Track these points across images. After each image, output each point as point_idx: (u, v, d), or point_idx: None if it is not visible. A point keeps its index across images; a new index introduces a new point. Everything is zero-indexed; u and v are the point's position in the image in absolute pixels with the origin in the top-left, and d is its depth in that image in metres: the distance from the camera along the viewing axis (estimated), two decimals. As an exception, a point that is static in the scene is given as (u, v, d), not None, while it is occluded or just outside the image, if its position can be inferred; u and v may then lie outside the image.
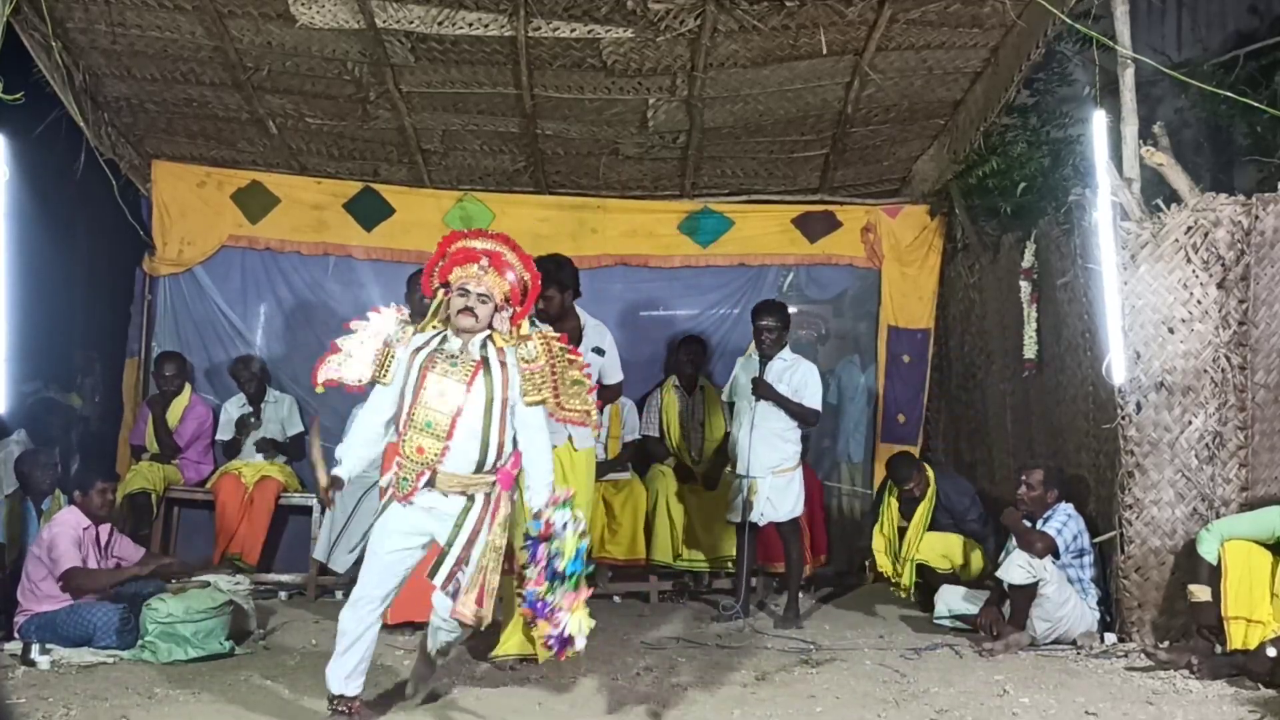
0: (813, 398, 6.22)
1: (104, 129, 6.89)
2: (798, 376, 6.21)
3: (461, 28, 5.96)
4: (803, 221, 7.85)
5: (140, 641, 5.19)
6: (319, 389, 4.39)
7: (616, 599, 6.86)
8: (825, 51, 6.13)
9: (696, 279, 7.85)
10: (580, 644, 3.92)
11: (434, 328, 4.26)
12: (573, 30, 5.98)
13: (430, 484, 4.09)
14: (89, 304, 7.52)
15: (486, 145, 7.31)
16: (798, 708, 4.47)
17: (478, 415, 4.07)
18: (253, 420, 7.17)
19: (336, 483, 4.20)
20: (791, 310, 7.71)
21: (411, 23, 5.93)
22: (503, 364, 4.13)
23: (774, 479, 6.19)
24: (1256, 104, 5.93)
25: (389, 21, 5.93)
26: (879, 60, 6.32)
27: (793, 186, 7.83)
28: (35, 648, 5.07)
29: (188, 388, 7.19)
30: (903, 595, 6.46)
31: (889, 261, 7.84)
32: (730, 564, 6.85)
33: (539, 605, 3.91)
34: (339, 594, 6.81)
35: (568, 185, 7.73)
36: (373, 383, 4.26)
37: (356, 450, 4.28)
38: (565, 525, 3.95)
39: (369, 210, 7.58)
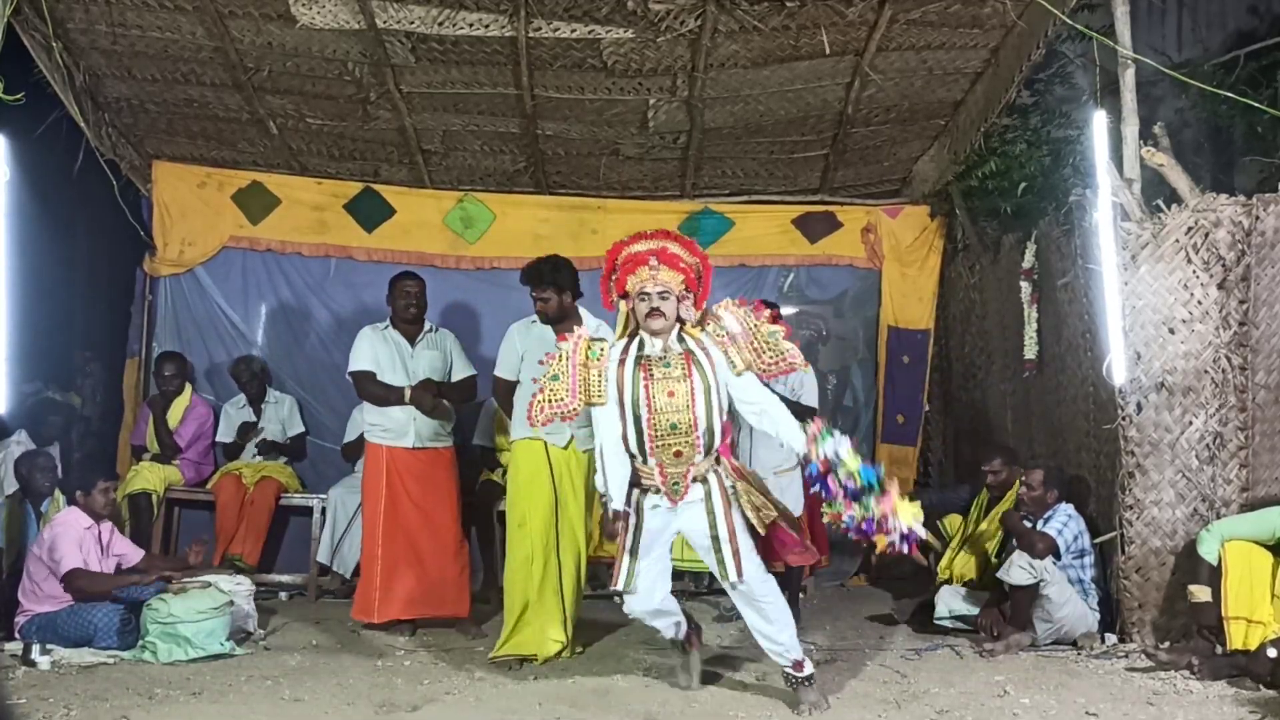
0: (809, 396, 6.23)
1: (104, 129, 6.90)
2: (794, 376, 6.21)
3: (462, 28, 5.97)
4: (803, 222, 7.85)
5: (141, 642, 5.20)
6: (536, 430, 4.65)
7: (617, 599, 6.84)
8: (826, 52, 6.13)
9: (697, 279, 7.85)
10: (920, 532, 4.12)
11: (625, 337, 4.40)
12: (573, 31, 5.98)
13: (696, 479, 4.30)
14: (89, 304, 7.53)
15: (487, 146, 7.31)
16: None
17: (704, 403, 4.24)
18: (255, 428, 7.17)
19: (622, 516, 4.39)
20: (791, 310, 7.73)
21: (412, 23, 5.94)
22: (704, 350, 4.29)
23: (775, 479, 6.18)
24: (1257, 104, 5.93)
25: (389, 22, 5.93)
26: (879, 61, 6.32)
27: (793, 187, 7.83)
28: (36, 648, 5.07)
29: (188, 388, 7.19)
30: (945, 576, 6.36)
31: (889, 262, 7.84)
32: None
33: (867, 525, 4.10)
34: (339, 595, 6.83)
35: (568, 186, 7.74)
36: (586, 408, 4.41)
37: (618, 475, 4.39)
38: (836, 451, 4.13)
39: (369, 211, 7.59)
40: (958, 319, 7.87)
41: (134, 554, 5.74)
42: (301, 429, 7.39)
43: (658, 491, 4.31)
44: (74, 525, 5.41)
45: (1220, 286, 5.34)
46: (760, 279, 7.85)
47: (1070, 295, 5.95)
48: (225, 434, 7.24)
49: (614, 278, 4.40)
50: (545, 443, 5.27)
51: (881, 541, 4.10)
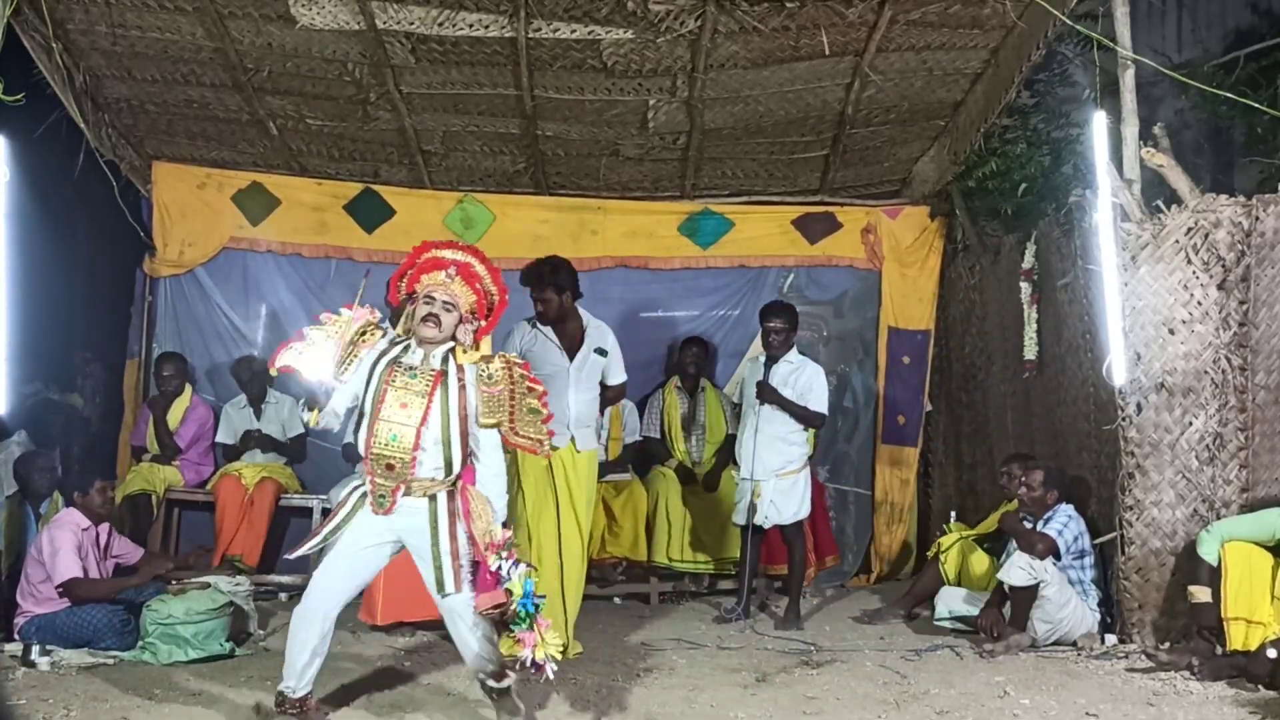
0: (818, 401, 6.22)
1: (104, 130, 6.89)
2: (803, 379, 6.21)
3: (462, 29, 5.97)
4: (803, 223, 7.85)
5: (140, 643, 5.19)
6: (273, 372, 4.30)
7: (617, 600, 6.87)
8: (826, 53, 6.13)
9: (697, 280, 7.85)
10: (550, 670, 3.96)
11: (400, 336, 4.24)
12: (573, 31, 5.98)
13: (407, 493, 4.08)
14: (89, 305, 7.51)
15: (487, 146, 7.31)
16: (798, 709, 4.47)
17: (438, 426, 4.06)
18: (256, 435, 7.16)
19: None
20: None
21: (412, 24, 5.94)
22: (461, 382, 4.09)
23: (778, 481, 6.18)
24: (1257, 105, 5.93)
25: (389, 23, 5.93)
26: (879, 61, 6.32)
27: (793, 188, 7.83)
28: (35, 649, 5.07)
29: (188, 389, 7.19)
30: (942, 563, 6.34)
31: (889, 263, 7.84)
32: (731, 565, 6.86)
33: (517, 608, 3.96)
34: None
35: (568, 186, 7.73)
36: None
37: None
38: (508, 572, 3.95)
39: (369, 211, 7.58)
40: (958, 320, 7.87)
41: (133, 553, 5.74)
42: (302, 430, 7.36)
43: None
44: (72, 527, 5.40)
45: (1220, 287, 5.34)
46: (760, 279, 7.85)
47: (1070, 296, 5.95)
48: (225, 435, 7.23)
49: (408, 272, 4.24)
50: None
51: (511, 645, 3.99)
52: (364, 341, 4.18)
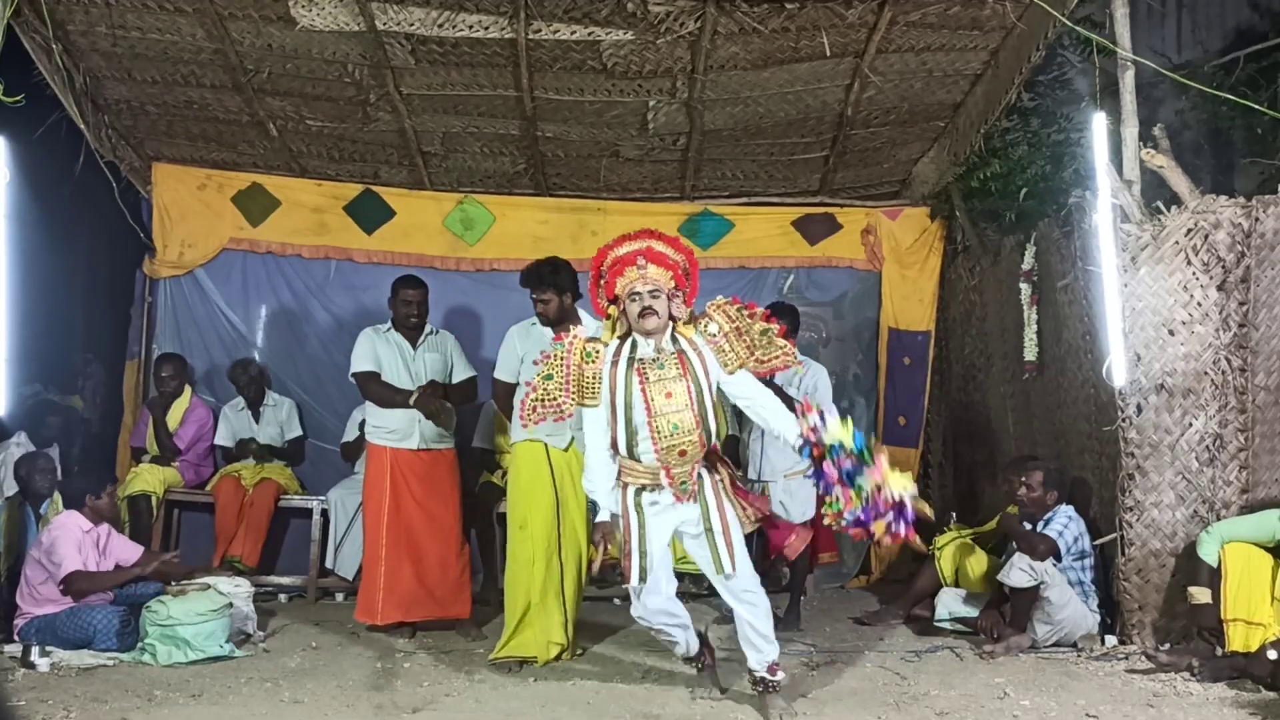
0: (824, 401, 6.21)
1: (104, 131, 6.90)
2: (808, 380, 6.20)
3: (462, 30, 5.97)
4: (803, 224, 7.85)
5: (140, 644, 5.20)
6: (528, 428, 4.56)
7: (617, 600, 6.85)
8: (827, 54, 6.13)
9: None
10: (912, 505, 4.06)
11: (617, 339, 4.37)
12: (573, 32, 5.98)
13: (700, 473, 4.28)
14: (89, 306, 7.52)
15: (487, 147, 7.31)
16: (798, 709, 4.46)
17: (699, 403, 4.23)
18: (254, 444, 7.16)
19: (605, 528, 4.41)
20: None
21: (412, 25, 5.94)
22: (697, 351, 4.28)
23: (785, 482, 6.18)
24: (1256, 106, 5.93)
25: (389, 24, 5.93)
26: (879, 62, 6.32)
27: (793, 189, 7.83)
28: (35, 650, 5.08)
29: (188, 390, 7.18)
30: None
31: (889, 264, 7.84)
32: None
33: (865, 513, 4.05)
34: (339, 596, 6.84)
35: (568, 187, 7.74)
36: (578, 409, 4.37)
37: (604, 482, 4.38)
38: (823, 423, 4.13)
39: (369, 213, 7.58)
40: (958, 321, 7.87)
41: (132, 554, 5.73)
42: (300, 432, 7.38)
43: (656, 489, 4.29)
44: (72, 528, 5.40)
45: (1220, 288, 5.34)
46: (760, 281, 7.84)
47: (1070, 297, 5.95)
48: (224, 438, 7.23)
49: (602, 282, 4.39)
50: (546, 445, 5.27)
51: (880, 528, 4.05)
52: (589, 362, 4.33)
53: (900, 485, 4.07)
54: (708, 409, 4.26)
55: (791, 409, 6.06)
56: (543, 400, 4.34)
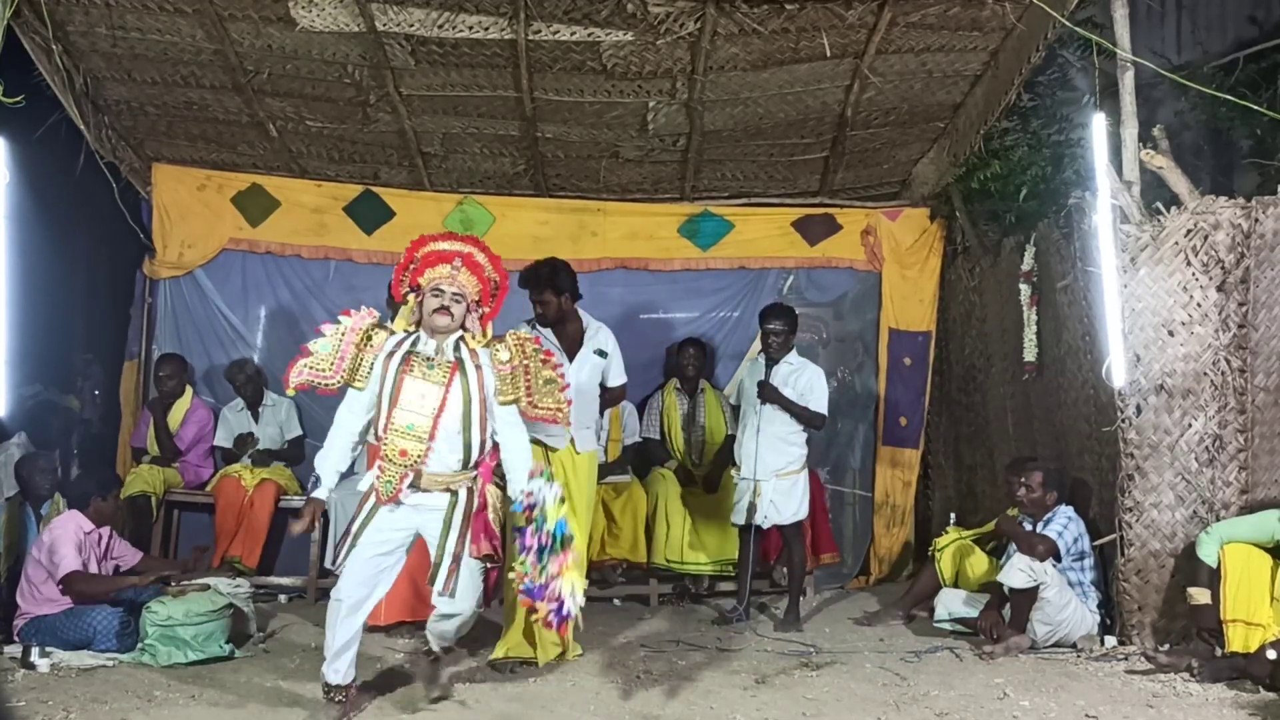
0: (819, 401, 6.22)
1: (104, 132, 6.90)
2: (804, 380, 6.20)
3: (461, 31, 5.97)
4: (803, 224, 7.85)
5: (140, 644, 5.20)
6: (290, 392, 4.46)
7: (616, 601, 6.87)
8: (826, 55, 6.13)
9: (696, 282, 7.85)
10: (574, 608, 4.06)
11: (405, 330, 4.35)
12: (573, 33, 5.98)
13: (414, 485, 4.23)
14: (89, 307, 7.53)
15: (487, 148, 7.31)
16: (798, 710, 4.47)
17: (456, 416, 4.21)
18: (251, 439, 7.16)
19: (316, 505, 4.33)
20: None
21: (412, 26, 5.94)
22: (477, 366, 4.27)
23: (777, 482, 6.18)
24: (1256, 107, 5.93)
25: (389, 24, 5.93)
26: (879, 63, 6.33)
27: (793, 189, 7.83)
28: (35, 651, 5.08)
29: (189, 390, 7.18)
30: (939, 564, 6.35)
31: (889, 264, 7.84)
32: (730, 567, 6.85)
33: (536, 590, 4.04)
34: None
35: (568, 188, 7.73)
36: (344, 386, 4.32)
37: (333, 463, 4.34)
38: (543, 492, 4.10)
39: (369, 213, 7.58)
40: (958, 321, 7.87)
41: (132, 556, 5.74)
42: (299, 432, 7.37)
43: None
44: (73, 528, 5.40)
45: (1219, 289, 5.34)
46: (760, 281, 7.84)
47: (1070, 298, 5.95)
48: (223, 439, 7.22)
49: (411, 268, 4.37)
50: (545, 445, 5.27)
51: (542, 609, 4.08)
52: (369, 346, 4.29)
53: (570, 585, 4.08)
54: (472, 424, 4.23)
55: (789, 409, 6.11)
56: (310, 367, 4.31)
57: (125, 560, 5.68)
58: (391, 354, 4.28)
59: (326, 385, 4.31)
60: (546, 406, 4.38)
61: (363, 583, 4.28)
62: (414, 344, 4.29)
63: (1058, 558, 5.48)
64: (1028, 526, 5.70)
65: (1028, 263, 6.48)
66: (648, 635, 5.93)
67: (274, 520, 6.96)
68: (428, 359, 4.24)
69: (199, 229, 7.44)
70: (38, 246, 6.03)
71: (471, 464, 4.28)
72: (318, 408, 7.48)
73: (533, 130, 7.02)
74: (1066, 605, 5.42)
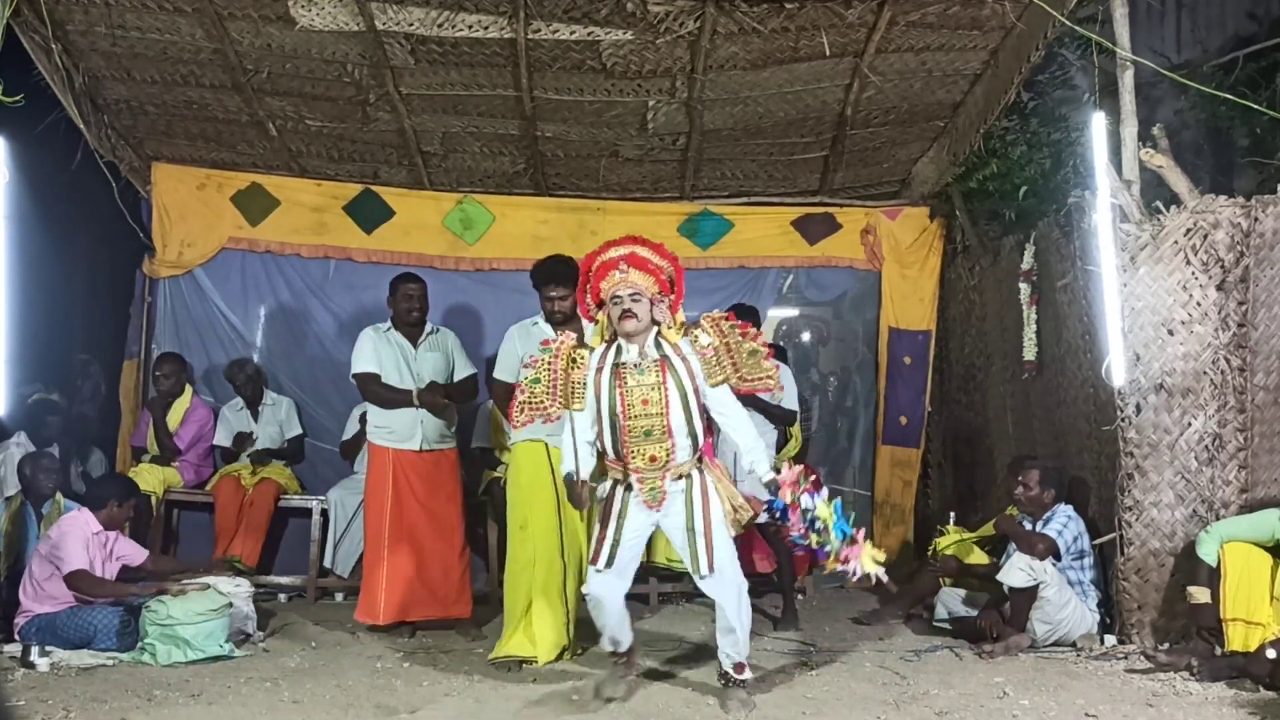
0: (789, 399, 6.26)
1: (104, 131, 6.90)
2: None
3: (461, 30, 5.97)
4: (802, 223, 7.85)
5: (140, 643, 5.20)
6: (517, 429, 4.77)
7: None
8: (826, 54, 6.13)
9: (696, 281, 7.80)
10: (879, 575, 4.26)
11: (604, 343, 4.49)
12: (572, 32, 5.98)
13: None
14: (89, 306, 7.52)
15: (486, 147, 7.31)
16: (798, 709, 4.47)
17: (679, 409, 4.31)
18: (250, 438, 7.16)
19: (585, 485, 4.47)
20: (792, 312, 7.71)
21: (411, 25, 5.94)
22: (682, 357, 4.36)
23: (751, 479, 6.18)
24: (1256, 106, 5.93)
25: (389, 24, 5.93)
26: (878, 62, 6.33)
27: (792, 188, 7.83)
28: (35, 650, 5.08)
29: (188, 390, 7.18)
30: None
31: (889, 263, 7.84)
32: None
33: (819, 551, 4.30)
34: (339, 596, 6.84)
35: (567, 187, 7.73)
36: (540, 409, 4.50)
37: (582, 463, 4.45)
38: (811, 502, 4.24)
39: (369, 212, 7.58)
40: (957, 320, 7.87)
41: (137, 554, 5.74)
42: (299, 431, 7.38)
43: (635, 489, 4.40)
44: (81, 527, 5.42)
45: (1219, 288, 5.34)
46: (760, 280, 7.84)
47: (1069, 297, 5.95)
48: (223, 438, 7.22)
49: (588, 287, 4.50)
50: (547, 444, 5.26)
51: (831, 564, 4.28)
52: (576, 367, 4.45)
53: (870, 564, 4.27)
54: (693, 414, 4.34)
55: (761, 410, 6.11)
56: (530, 403, 4.49)
57: (130, 559, 5.68)
58: (600, 369, 4.40)
59: (549, 417, 4.50)
60: (756, 377, 4.42)
61: (621, 576, 4.48)
62: (618, 355, 4.39)
63: (1057, 556, 5.48)
64: (1027, 525, 5.69)
65: (1027, 262, 6.48)
66: (648, 634, 5.92)
67: (274, 519, 6.97)
68: (635, 365, 4.35)
69: (198, 228, 7.44)
70: (37, 246, 6.04)
71: (697, 450, 4.40)
72: (318, 408, 7.50)
73: (532, 129, 7.02)
74: (1066, 604, 5.42)
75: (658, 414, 4.30)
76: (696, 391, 4.36)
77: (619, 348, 4.42)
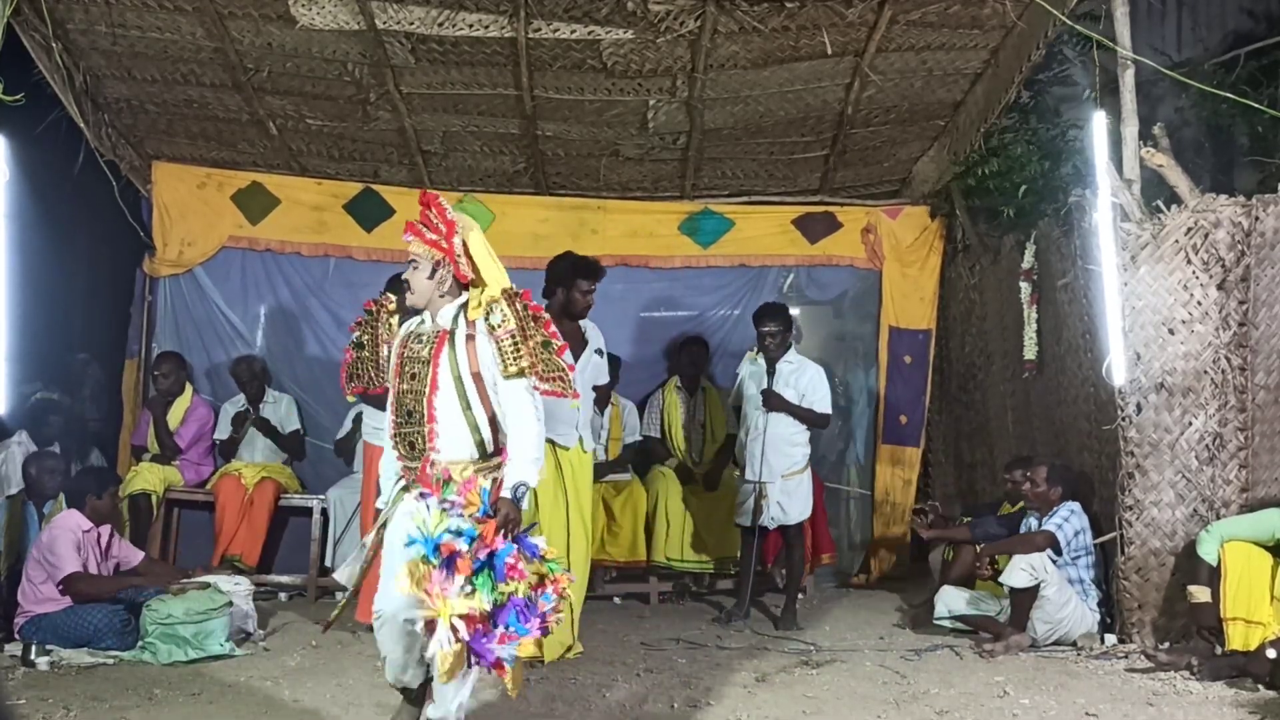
0: (822, 401, 6.22)
1: (104, 130, 6.90)
2: (805, 380, 6.20)
3: (462, 29, 5.97)
4: (803, 222, 7.84)
5: (140, 642, 5.20)
6: (351, 398, 4.27)
7: (617, 600, 6.87)
8: (827, 53, 6.13)
9: (697, 280, 7.85)
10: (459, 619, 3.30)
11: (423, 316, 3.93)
12: (573, 31, 5.98)
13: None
14: (89, 305, 7.52)
15: (487, 146, 7.31)
16: (798, 709, 4.47)
17: (451, 392, 3.62)
18: (250, 416, 7.15)
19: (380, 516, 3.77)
20: (794, 311, 7.70)
21: (412, 24, 5.94)
22: (469, 336, 3.65)
23: (784, 483, 6.18)
24: (1257, 104, 5.94)
25: (389, 23, 5.93)
26: (879, 61, 6.32)
27: (793, 187, 7.83)
28: (35, 649, 5.08)
29: (189, 389, 7.17)
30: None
31: (889, 262, 7.83)
32: (731, 565, 6.86)
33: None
34: (339, 595, 6.83)
35: (568, 186, 7.73)
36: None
37: (389, 469, 3.82)
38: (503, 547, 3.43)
39: (369, 211, 7.57)
40: (958, 320, 7.87)
41: (133, 556, 5.74)
42: (298, 427, 7.36)
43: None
44: (71, 528, 5.40)
45: (1220, 287, 5.34)
46: (760, 279, 7.84)
47: (1070, 296, 5.95)
48: (223, 431, 7.22)
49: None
50: (554, 444, 5.24)
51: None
52: (388, 335, 4.10)
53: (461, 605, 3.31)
54: (471, 405, 3.61)
55: (795, 414, 6.10)
56: (356, 370, 4.07)
57: (126, 560, 5.68)
58: (403, 340, 3.82)
59: (373, 385, 4.11)
60: (554, 376, 3.70)
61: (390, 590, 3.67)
62: (419, 324, 3.81)
63: (1057, 550, 5.48)
64: (1033, 521, 5.70)
65: (1028, 261, 6.48)
66: (648, 634, 5.92)
67: (274, 518, 6.97)
68: (419, 335, 3.74)
69: (199, 227, 7.43)
70: (38, 245, 6.03)
71: (492, 450, 3.69)
72: (318, 406, 7.49)
73: (533, 128, 7.02)
74: (1067, 603, 5.42)
75: (421, 392, 3.59)
76: (478, 378, 3.61)
77: (424, 319, 3.80)
